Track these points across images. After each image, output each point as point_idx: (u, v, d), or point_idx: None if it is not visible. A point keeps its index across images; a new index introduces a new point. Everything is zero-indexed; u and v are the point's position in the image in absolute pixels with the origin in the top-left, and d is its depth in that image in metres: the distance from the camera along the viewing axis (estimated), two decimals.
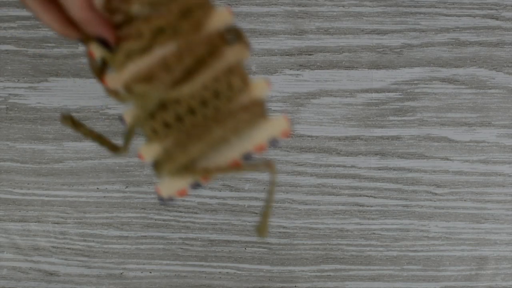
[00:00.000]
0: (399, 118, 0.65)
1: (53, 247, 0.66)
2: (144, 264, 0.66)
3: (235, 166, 0.42)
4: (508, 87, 0.65)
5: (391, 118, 0.65)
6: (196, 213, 0.66)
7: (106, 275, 0.66)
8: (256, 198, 0.65)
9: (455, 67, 0.65)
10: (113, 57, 0.41)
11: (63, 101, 0.66)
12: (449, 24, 0.65)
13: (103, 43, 0.41)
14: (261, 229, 0.43)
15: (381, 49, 0.65)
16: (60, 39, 0.65)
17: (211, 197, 0.66)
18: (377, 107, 0.65)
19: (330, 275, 0.66)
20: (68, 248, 0.66)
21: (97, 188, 0.66)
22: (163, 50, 0.42)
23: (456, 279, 0.66)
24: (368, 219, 0.66)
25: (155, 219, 0.66)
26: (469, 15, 0.65)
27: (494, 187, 0.65)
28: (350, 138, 0.65)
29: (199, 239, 0.66)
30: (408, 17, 0.65)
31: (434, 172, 0.65)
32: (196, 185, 0.43)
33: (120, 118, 0.44)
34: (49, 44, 0.65)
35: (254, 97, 0.42)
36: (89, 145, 0.66)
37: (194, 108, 0.42)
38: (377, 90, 0.65)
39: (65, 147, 0.66)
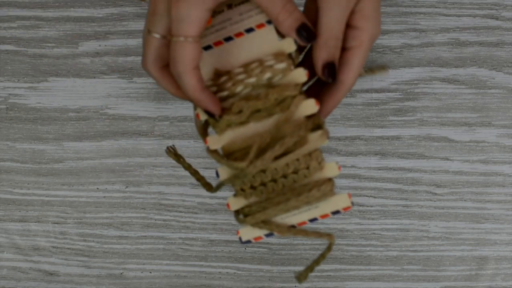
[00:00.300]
0: (399, 118, 0.65)
1: (53, 247, 0.66)
2: (144, 264, 0.66)
3: (302, 230, 0.54)
4: (508, 87, 0.65)
5: (391, 118, 0.65)
6: (196, 213, 0.66)
7: (106, 275, 0.66)
8: None
9: (455, 67, 0.65)
10: (216, 124, 0.52)
11: (63, 101, 0.66)
12: (449, 24, 0.65)
13: (209, 113, 0.51)
14: (301, 278, 0.55)
15: (381, 49, 0.65)
16: (60, 39, 0.66)
17: (211, 197, 0.66)
18: (377, 107, 0.65)
19: (330, 275, 0.66)
20: (68, 248, 0.66)
21: (97, 188, 0.66)
22: (257, 125, 0.53)
23: (456, 279, 0.66)
24: (368, 219, 0.66)
25: (155, 219, 0.66)
26: (469, 15, 0.65)
27: (494, 187, 0.66)
28: (350, 138, 0.65)
29: (199, 239, 0.66)
30: (408, 17, 0.65)
31: (434, 172, 0.65)
32: (270, 234, 0.55)
33: (216, 173, 0.54)
34: (49, 44, 0.65)
35: (325, 177, 0.53)
36: (89, 145, 0.66)
37: (276, 179, 0.53)
38: (377, 90, 0.65)
39: (65, 147, 0.66)
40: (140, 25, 0.65)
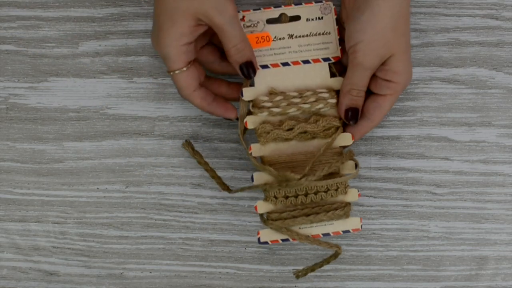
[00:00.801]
0: (399, 118, 0.65)
1: (53, 247, 0.66)
2: (144, 264, 0.66)
3: (316, 240, 0.60)
4: (508, 87, 0.65)
5: (391, 118, 0.65)
6: (196, 213, 0.66)
7: (106, 275, 0.66)
8: (256, 198, 0.65)
9: (455, 67, 0.65)
10: (262, 134, 0.59)
11: (63, 101, 0.66)
12: (449, 24, 0.65)
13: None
14: (299, 275, 0.63)
15: None
16: (60, 39, 0.66)
17: (211, 197, 0.66)
18: None
19: (330, 275, 0.66)
20: (68, 248, 0.66)
21: (97, 188, 0.66)
22: (298, 144, 0.60)
23: (456, 279, 0.66)
24: (368, 219, 0.66)
25: (155, 219, 0.66)
26: (469, 15, 0.65)
27: (494, 187, 0.66)
28: None
29: (199, 239, 0.66)
30: None
31: (434, 172, 0.65)
32: (286, 240, 0.61)
33: (251, 178, 0.60)
34: (49, 44, 0.65)
35: (346, 200, 0.61)
36: (89, 145, 0.66)
37: (309, 193, 0.60)
38: None
39: (65, 147, 0.66)
40: (140, 25, 0.65)
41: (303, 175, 0.58)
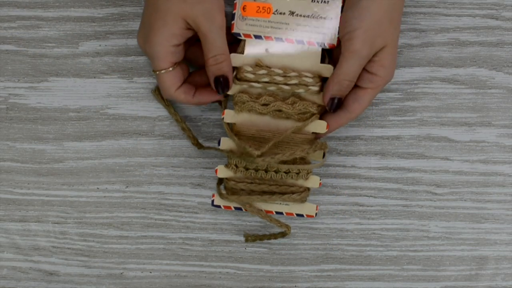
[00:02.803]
0: (399, 118, 0.65)
1: (53, 247, 0.66)
2: (144, 264, 0.66)
3: (268, 215, 0.61)
4: (508, 87, 0.65)
5: (391, 118, 0.65)
6: (196, 213, 0.66)
7: (106, 275, 0.66)
8: None
9: (455, 67, 0.65)
10: (238, 103, 0.59)
11: (63, 101, 0.66)
12: (449, 24, 0.65)
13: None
14: (249, 239, 0.64)
15: None
16: (60, 39, 0.66)
17: (211, 197, 0.66)
18: (377, 107, 0.65)
19: (330, 275, 0.66)
20: (68, 248, 0.66)
21: (97, 188, 0.66)
22: (271, 120, 0.60)
23: (456, 279, 0.66)
24: (368, 219, 0.66)
25: (155, 219, 0.66)
26: (469, 15, 0.65)
27: (494, 187, 0.66)
28: (350, 138, 0.65)
29: (199, 239, 0.66)
30: (408, 17, 0.65)
31: (434, 172, 0.65)
32: (239, 208, 0.62)
33: (218, 141, 0.61)
34: (49, 44, 0.65)
35: (307, 185, 0.61)
36: (89, 145, 0.66)
37: (269, 170, 0.60)
38: None
39: (65, 147, 0.66)
40: None
41: (261, 153, 0.58)
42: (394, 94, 0.65)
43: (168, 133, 0.65)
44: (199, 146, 0.64)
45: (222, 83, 0.58)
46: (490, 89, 0.65)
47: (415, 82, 0.65)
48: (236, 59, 0.59)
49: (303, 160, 0.61)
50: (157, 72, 0.58)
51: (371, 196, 0.66)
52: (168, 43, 0.56)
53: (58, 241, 0.66)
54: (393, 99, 0.65)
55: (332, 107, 0.58)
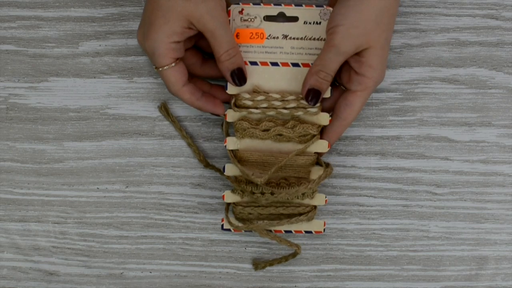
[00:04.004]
0: (399, 118, 0.65)
1: (53, 247, 0.66)
2: (144, 264, 0.66)
3: (277, 236, 0.61)
4: (508, 87, 0.65)
5: (391, 118, 0.65)
6: (196, 213, 0.66)
7: (106, 275, 0.66)
8: None
9: (455, 67, 0.65)
10: (239, 130, 0.60)
11: (63, 101, 0.66)
12: (449, 24, 0.65)
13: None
14: (258, 267, 0.64)
15: None
16: (60, 39, 0.66)
17: (211, 197, 0.66)
18: (377, 107, 0.65)
19: (330, 275, 0.66)
20: (68, 248, 0.66)
21: (97, 188, 0.66)
22: (273, 144, 0.61)
23: (456, 279, 0.66)
24: (368, 219, 0.66)
25: (155, 219, 0.66)
26: (469, 15, 0.65)
27: (494, 187, 0.66)
28: (350, 138, 0.65)
29: (199, 239, 0.66)
30: (408, 17, 0.65)
31: (434, 172, 0.65)
32: (248, 231, 0.62)
33: (223, 168, 0.61)
34: (49, 44, 0.65)
35: (313, 203, 0.62)
36: (89, 145, 0.66)
37: (275, 193, 0.60)
38: (377, 90, 0.65)
39: (65, 147, 0.66)
40: None
41: (264, 180, 0.58)
42: (394, 94, 0.65)
43: (168, 133, 0.65)
44: (206, 163, 0.64)
45: (239, 75, 0.58)
46: (490, 89, 0.65)
47: (415, 82, 0.65)
48: (233, 87, 0.60)
49: (306, 179, 0.61)
50: (160, 69, 0.57)
51: (371, 196, 0.66)
52: (169, 39, 0.56)
53: (58, 241, 0.66)
54: (393, 99, 0.65)
55: (310, 99, 0.58)
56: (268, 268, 0.66)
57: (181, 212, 0.66)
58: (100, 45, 0.65)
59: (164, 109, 0.64)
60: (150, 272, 0.66)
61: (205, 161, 0.64)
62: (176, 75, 0.58)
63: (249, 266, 0.66)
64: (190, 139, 0.64)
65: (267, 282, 0.66)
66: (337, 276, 0.66)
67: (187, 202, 0.66)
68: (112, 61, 0.65)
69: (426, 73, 0.65)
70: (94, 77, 0.65)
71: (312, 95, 0.58)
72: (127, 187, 0.66)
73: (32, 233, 0.66)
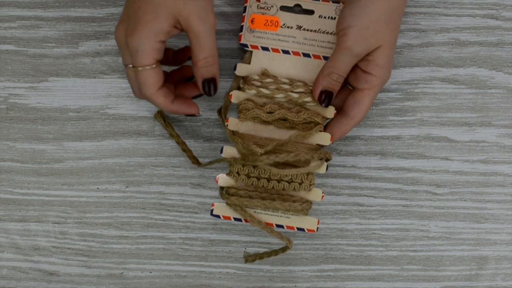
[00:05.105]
0: (399, 118, 0.65)
1: (53, 247, 0.66)
2: (144, 264, 0.66)
3: (268, 227, 0.61)
4: (508, 87, 0.65)
5: (391, 118, 0.65)
6: (196, 213, 0.66)
7: (106, 275, 0.66)
8: None
9: (455, 67, 0.65)
10: (242, 111, 0.60)
11: (63, 101, 0.66)
12: (449, 24, 0.65)
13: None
14: (248, 259, 0.63)
15: None
16: (60, 39, 0.66)
17: (211, 197, 0.66)
18: (377, 107, 0.65)
19: (330, 275, 0.66)
20: (68, 248, 0.66)
21: (97, 188, 0.66)
22: (275, 130, 0.60)
23: (456, 279, 0.66)
24: (368, 219, 0.66)
25: (155, 219, 0.66)
26: (469, 15, 0.65)
27: (494, 187, 0.66)
28: (350, 138, 0.65)
29: (199, 239, 0.66)
30: (408, 17, 0.65)
31: (434, 172, 0.65)
32: (238, 219, 0.61)
33: (221, 150, 0.61)
34: (49, 44, 0.66)
35: (308, 198, 0.61)
36: (89, 145, 0.66)
37: (271, 179, 0.60)
38: None
39: (65, 147, 0.66)
40: None
41: (265, 151, 0.58)
42: (394, 94, 0.65)
43: (168, 133, 0.65)
44: (198, 164, 0.64)
45: (210, 84, 0.57)
46: (490, 89, 0.65)
47: (415, 82, 0.65)
48: (243, 68, 0.60)
49: (305, 170, 0.60)
50: (140, 69, 0.55)
51: (371, 196, 0.66)
52: (156, 38, 0.54)
53: (58, 241, 0.66)
54: (393, 99, 0.65)
55: (322, 101, 0.58)
56: (268, 268, 0.66)
57: (181, 212, 0.66)
58: (100, 45, 0.65)
59: (160, 116, 0.64)
60: (150, 272, 0.66)
61: (198, 162, 0.64)
62: (155, 77, 0.55)
63: (249, 266, 0.66)
64: (185, 144, 0.64)
65: (267, 282, 0.66)
66: (337, 276, 0.66)
67: (187, 202, 0.66)
68: (112, 61, 0.65)
69: (426, 73, 0.65)
70: (94, 77, 0.65)
71: (324, 97, 0.58)
72: (127, 187, 0.66)
73: (32, 233, 0.66)
